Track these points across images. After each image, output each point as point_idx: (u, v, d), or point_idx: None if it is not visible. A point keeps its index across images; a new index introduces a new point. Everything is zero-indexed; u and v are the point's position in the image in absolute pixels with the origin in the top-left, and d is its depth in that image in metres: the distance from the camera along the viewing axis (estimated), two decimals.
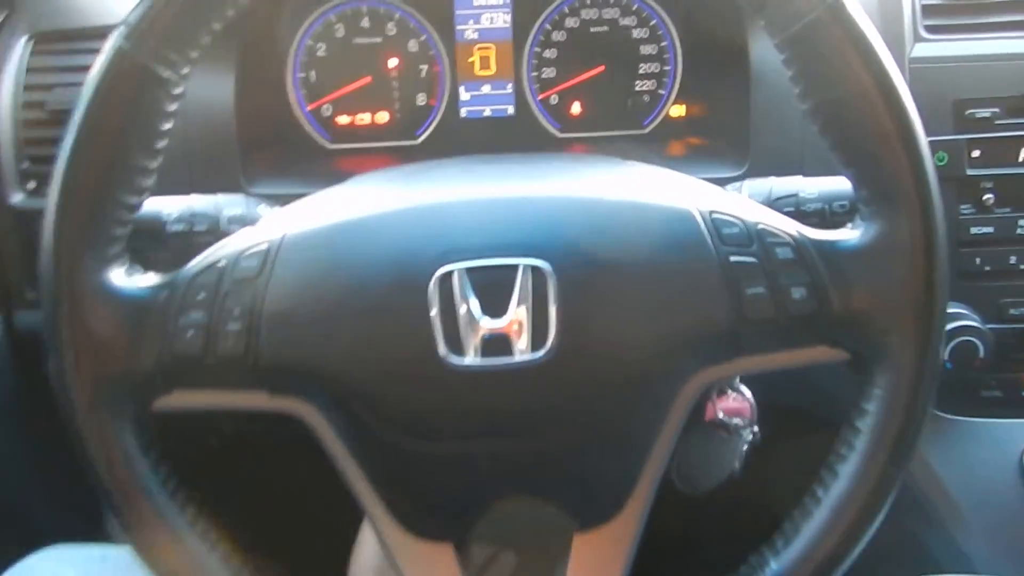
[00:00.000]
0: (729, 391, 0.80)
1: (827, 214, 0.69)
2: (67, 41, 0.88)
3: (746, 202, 0.57)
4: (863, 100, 0.52)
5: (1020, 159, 0.83)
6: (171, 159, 0.76)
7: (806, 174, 0.74)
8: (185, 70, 0.53)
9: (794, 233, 0.55)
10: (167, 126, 0.54)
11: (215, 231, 0.69)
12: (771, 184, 0.71)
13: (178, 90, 0.54)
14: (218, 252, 0.55)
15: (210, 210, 0.71)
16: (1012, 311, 0.85)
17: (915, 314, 0.53)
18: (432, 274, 0.52)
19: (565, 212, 0.55)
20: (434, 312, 0.52)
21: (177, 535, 0.54)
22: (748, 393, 0.80)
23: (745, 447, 0.82)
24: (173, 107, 0.54)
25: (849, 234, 0.55)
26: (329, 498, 0.64)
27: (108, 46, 0.51)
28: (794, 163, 0.80)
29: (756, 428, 0.81)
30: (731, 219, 0.55)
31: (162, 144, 0.55)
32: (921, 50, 0.82)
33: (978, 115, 0.81)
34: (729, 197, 0.58)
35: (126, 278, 0.54)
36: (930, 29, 0.83)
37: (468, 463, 0.55)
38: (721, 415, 0.80)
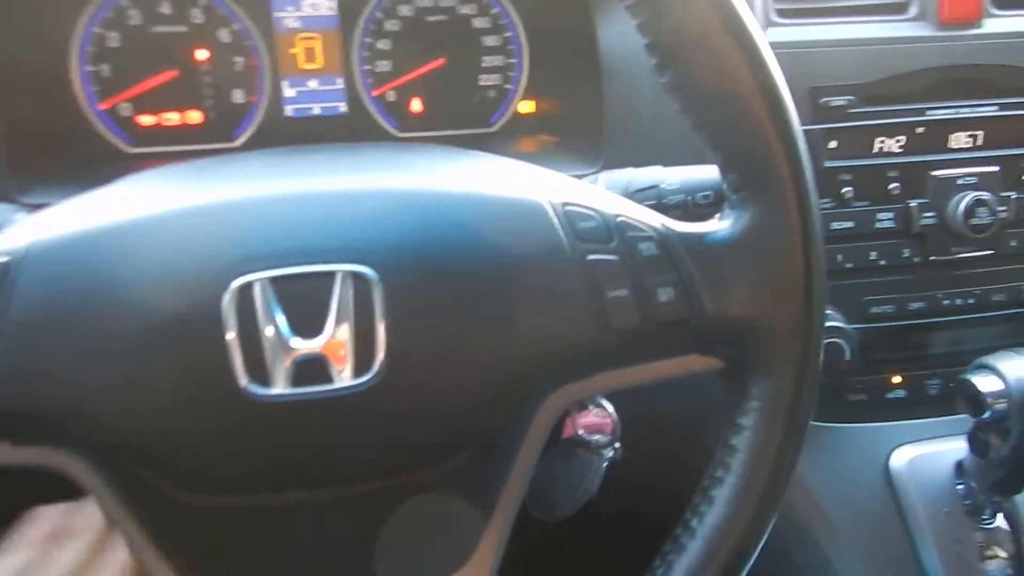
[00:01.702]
0: (589, 405, 0.73)
1: (690, 206, 0.62)
2: None
3: (603, 193, 0.50)
4: (731, 76, 0.46)
5: (875, 150, 0.80)
6: None
7: (665, 166, 0.68)
8: None
9: (658, 226, 0.48)
10: None
11: None
12: (629, 175, 0.65)
13: None
14: None
15: None
16: (874, 309, 0.82)
17: (796, 314, 0.47)
18: (226, 286, 0.42)
19: (392, 208, 0.46)
20: (230, 334, 0.41)
21: None
22: (610, 407, 0.73)
23: (606, 465, 0.75)
24: None
25: (718, 225, 0.48)
26: None
27: None
28: (651, 157, 0.74)
29: (618, 444, 0.74)
30: (587, 211, 0.47)
31: None
32: (773, 35, 0.78)
33: (833, 103, 0.78)
34: (584, 188, 0.50)
35: None
36: (781, 13, 0.79)
37: (279, 520, 0.45)
38: (581, 432, 0.72)
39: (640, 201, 0.61)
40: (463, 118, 0.92)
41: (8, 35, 0.74)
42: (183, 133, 0.87)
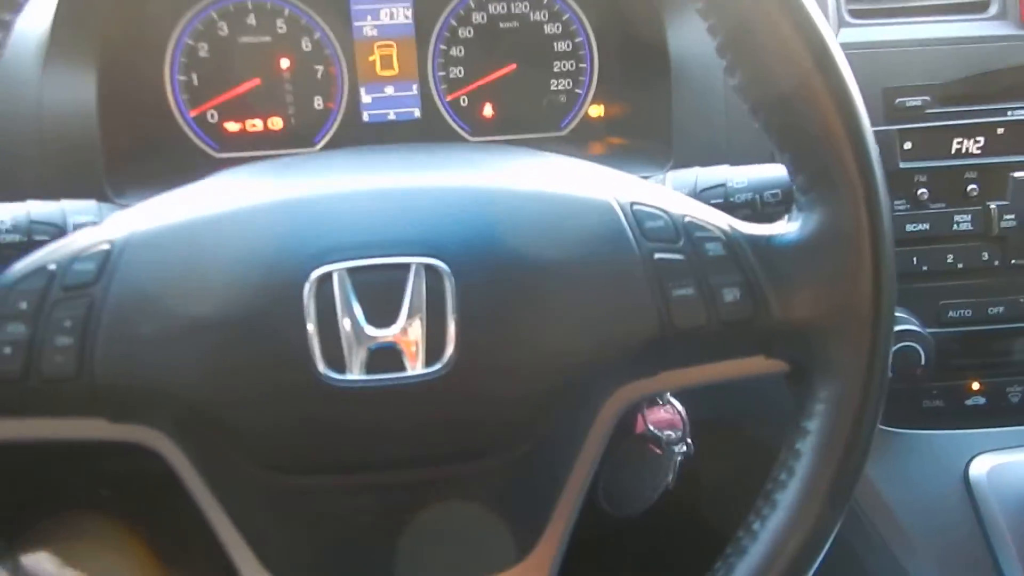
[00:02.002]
0: (659, 401, 0.73)
1: (758, 205, 0.62)
2: None
3: (671, 193, 0.50)
4: (800, 76, 0.46)
5: (952, 151, 0.78)
6: (23, 165, 0.66)
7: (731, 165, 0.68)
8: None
9: (725, 227, 0.48)
10: None
11: None
12: (696, 174, 0.65)
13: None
14: (48, 255, 0.46)
15: (54, 218, 0.61)
16: (951, 313, 0.80)
17: (863, 317, 0.47)
18: (307, 276, 0.44)
19: (465, 204, 0.47)
20: (310, 322, 0.44)
21: None
22: (679, 404, 0.73)
23: (678, 462, 0.75)
24: None
25: (786, 227, 0.48)
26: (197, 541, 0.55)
27: None
28: (720, 159, 0.74)
29: (689, 441, 0.74)
30: (655, 211, 0.48)
31: None
32: (846, 35, 0.78)
33: (908, 104, 0.77)
34: (651, 187, 0.50)
35: None
36: (854, 14, 0.79)
37: (352, 500, 0.47)
38: (651, 428, 0.73)
39: (707, 200, 0.62)
40: (534, 122, 0.94)
41: (109, 46, 0.78)
42: (266, 138, 0.91)
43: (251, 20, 0.88)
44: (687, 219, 0.48)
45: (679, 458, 0.74)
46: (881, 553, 0.82)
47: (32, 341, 0.44)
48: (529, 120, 0.93)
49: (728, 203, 0.62)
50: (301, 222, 0.46)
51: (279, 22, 0.88)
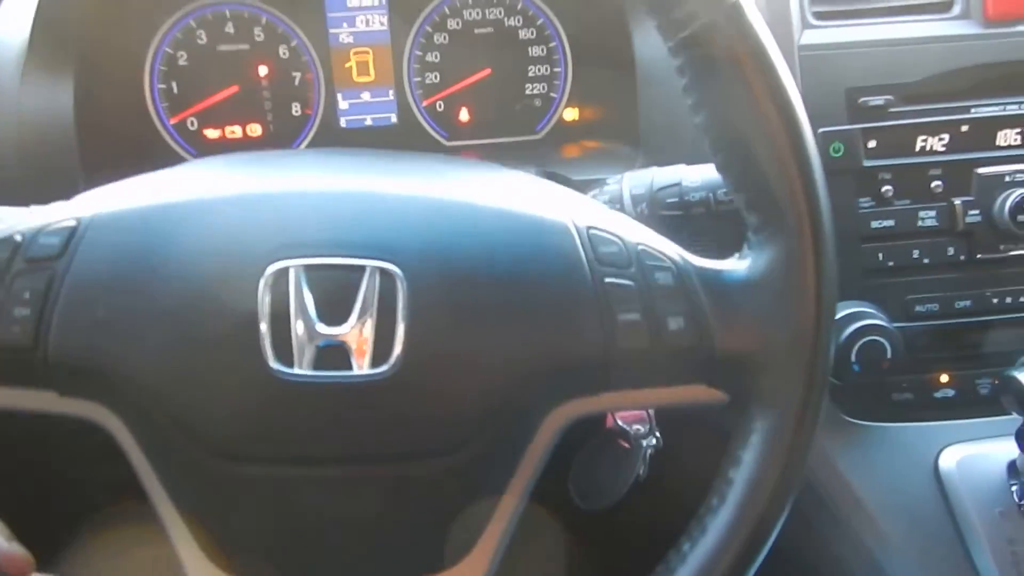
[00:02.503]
0: None
1: (712, 203, 0.64)
2: None
3: (627, 220, 0.52)
4: (759, 122, 0.47)
5: (917, 148, 0.79)
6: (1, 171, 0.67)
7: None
8: None
9: (677, 258, 0.50)
10: None
11: None
12: (652, 174, 0.66)
13: None
14: (16, 224, 0.48)
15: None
16: (918, 308, 0.81)
17: (801, 354, 0.48)
18: (264, 269, 0.45)
19: (423, 212, 0.49)
20: (263, 315, 0.45)
21: None
22: None
23: (647, 455, 0.76)
24: None
25: (736, 264, 0.50)
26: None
27: None
28: (686, 160, 0.76)
29: (658, 434, 0.75)
30: (610, 237, 0.49)
31: None
32: (810, 37, 0.79)
33: (872, 103, 0.78)
34: (609, 214, 0.52)
35: None
36: (818, 16, 0.80)
37: (291, 491, 0.48)
38: (619, 422, 0.74)
39: (663, 199, 0.63)
40: (509, 126, 0.95)
41: (88, 54, 0.80)
42: (245, 144, 0.92)
43: (229, 28, 0.89)
44: (640, 247, 0.49)
45: (648, 451, 0.75)
46: (853, 545, 0.83)
47: None
48: (504, 124, 0.95)
49: (683, 201, 0.64)
50: (262, 216, 0.48)
51: (256, 30, 0.90)
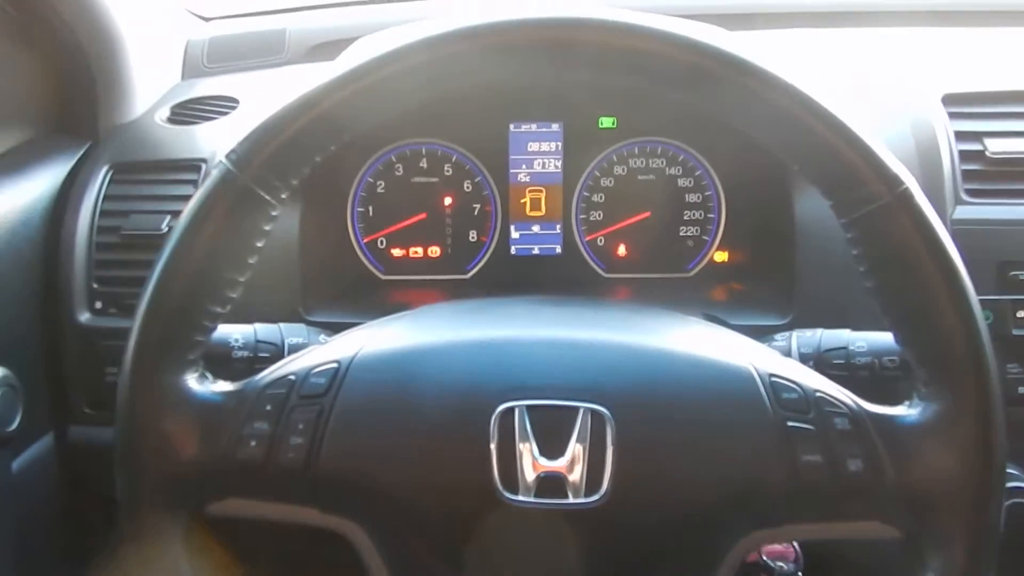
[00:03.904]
0: None
1: (877, 368, 0.69)
2: (145, 172, 0.94)
3: (803, 369, 0.58)
4: (929, 290, 0.53)
5: None
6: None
7: (852, 327, 0.75)
8: (284, 195, 0.57)
9: (852, 404, 0.55)
10: (260, 243, 0.57)
11: (278, 358, 0.72)
12: (820, 335, 0.73)
13: (275, 212, 0.57)
14: (289, 366, 0.58)
15: (274, 338, 0.73)
16: None
17: (974, 498, 0.53)
18: (495, 408, 0.54)
19: (627, 360, 0.57)
20: (493, 447, 0.53)
21: None
22: None
23: None
24: (268, 227, 0.57)
25: (908, 411, 0.55)
26: None
27: (217, 168, 0.55)
28: (838, 315, 0.82)
29: (801, 574, 0.79)
30: (789, 384, 0.56)
31: (253, 260, 0.57)
32: (963, 212, 0.85)
33: (1022, 277, 0.83)
34: (786, 362, 0.59)
35: (198, 383, 0.57)
36: (971, 193, 0.85)
37: None
38: (764, 558, 0.79)
39: (829, 360, 0.70)
40: (663, 263, 1.04)
41: (311, 185, 0.92)
42: (424, 264, 1.03)
43: (423, 163, 1.02)
44: (818, 394, 0.56)
45: None
46: None
47: (273, 437, 0.55)
48: (659, 261, 1.03)
49: (849, 364, 0.70)
50: (491, 361, 0.57)
51: (447, 166, 1.02)
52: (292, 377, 0.57)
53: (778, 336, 0.75)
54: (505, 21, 0.53)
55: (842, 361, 0.70)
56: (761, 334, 0.77)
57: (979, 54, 1.03)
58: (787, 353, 0.72)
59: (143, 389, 0.55)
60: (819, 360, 0.70)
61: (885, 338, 0.71)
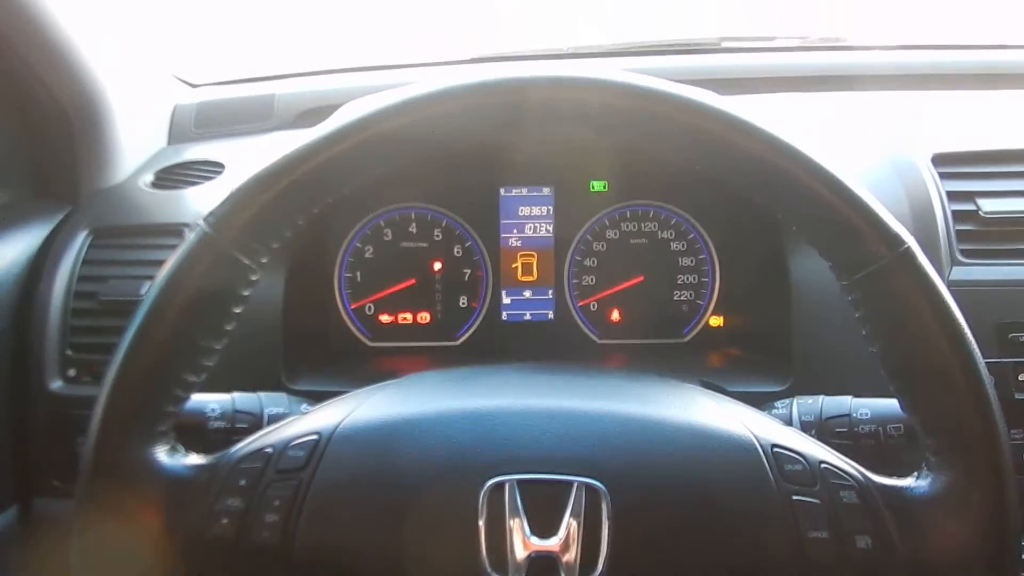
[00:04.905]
0: None
1: (882, 437, 0.67)
2: (125, 237, 0.92)
3: (806, 438, 0.56)
4: (935, 355, 0.51)
5: None
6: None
7: (854, 392, 0.73)
8: (264, 259, 0.55)
9: (859, 476, 0.53)
10: (238, 310, 0.55)
11: (257, 429, 0.68)
12: (821, 402, 0.70)
13: (255, 277, 0.55)
14: (266, 438, 0.55)
15: (253, 408, 0.70)
16: None
17: (989, 571, 0.51)
18: (484, 483, 0.51)
19: (622, 431, 0.54)
20: (481, 524, 0.50)
21: None
22: None
23: None
24: (247, 292, 0.55)
25: (917, 482, 0.53)
26: None
27: (194, 231, 0.53)
28: (839, 380, 0.79)
29: None
30: (793, 455, 0.53)
31: (230, 327, 0.55)
32: (959, 273, 0.83)
33: (1022, 339, 0.81)
34: (789, 431, 0.56)
35: (168, 456, 0.54)
36: (966, 253, 0.84)
37: None
38: None
39: (831, 428, 0.67)
40: (658, 329, 1.01)
41: (298, 251, 0.90)
42: (413, 330, 1.01)
43: (412, 228, 1.00)
44: (823, 465, 0.53)
45: None
46: None
47: (246, 514, 0.52)
48: (653, 327, 1.01)
49: (852, 432, 0.67)
50: (480, 433, 0.54)
51: (436, 231, 1.00)
52: (269, 450, 0.54)
53: (778, 404, 0.73)
54: (480, 81, 0.52)
55: (845, 429, 0.67)
56: (760, 401, 0.75)
57: (967, 115, 1.03)
58: (788, 421, 0.69)
59: (108, 462, 0.52)
60: (821, 428, 0.68)
61: (889, 404, 0.68)
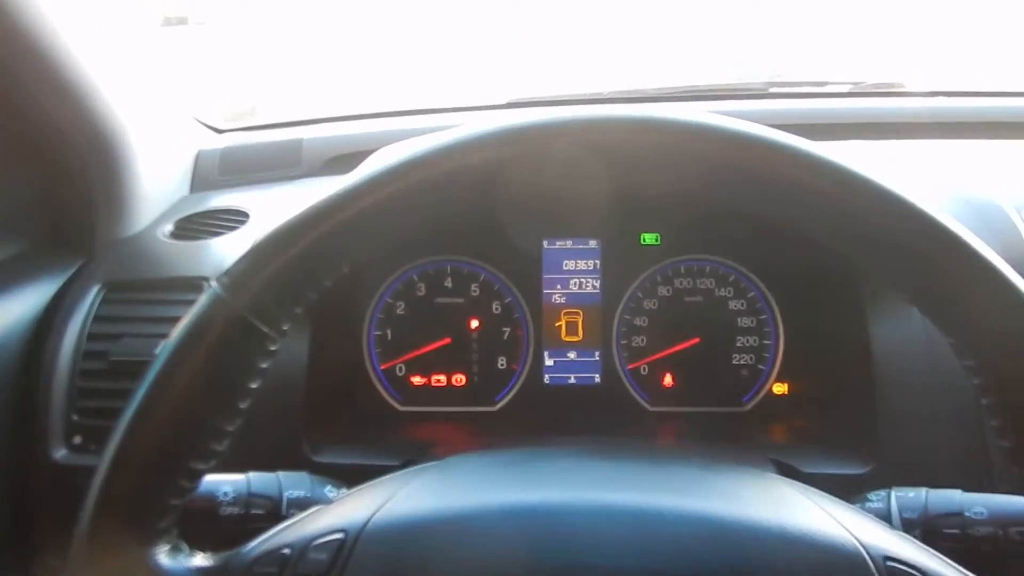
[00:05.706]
0: None
1: (1001, 539, 0.57)
2: (140, 291, 0.85)
3: (921, 548, 0.47)
4: None
5: None
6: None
7: (953, 479, 0.63)
8: (286, 326, 0.47)
9: None
10: (254, 385, 0.47)
11: (275, 515, 0.60)
12: (926, 496, 0.60)
13: (274, 347, 0.47)
14: (284, 534, 0.47)
15: (271, 491, 0.62)
16: None
17: None
18: None
19: (699, 537, 0.45)
20: None
21: None
22: None
23: None
24: (265, 364, 0.47)
25: None
26: None
27: (207, 293, 0.46)
28: (926, 470, 0.70)
29: None
30: (910, 571, 0.44)
31: (245, 405, 0.47)
32: None
33: None
34: (899, 538, 0.47)
35: (170, 557, 0.46)
36: None
37: None
38: None
39: (940, 528, 0.57)
40: (715, 395, 0.92)
41: (323, 307, 0.83)
42: (447, 394, 0.93)
43: (448, 283, 0.92)
44: None
45: None
46: None
47: None
48: (709, 393, 0.92)
49: (966, 535, 0.57)
50: (532, 536, 0.45)
51: (473, 286, 0.93)
52: (287, 551, 0.46)
53: (872, 496, 0.63)
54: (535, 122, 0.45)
55: (957, 531, 0.57)
56: (841, 487, 0.65)
57: None
58: (885, 518, 0.59)
59: (99, 563, 0.45)
60: (927, 528, 0.57)
61: (1009, 502, 0.58)
